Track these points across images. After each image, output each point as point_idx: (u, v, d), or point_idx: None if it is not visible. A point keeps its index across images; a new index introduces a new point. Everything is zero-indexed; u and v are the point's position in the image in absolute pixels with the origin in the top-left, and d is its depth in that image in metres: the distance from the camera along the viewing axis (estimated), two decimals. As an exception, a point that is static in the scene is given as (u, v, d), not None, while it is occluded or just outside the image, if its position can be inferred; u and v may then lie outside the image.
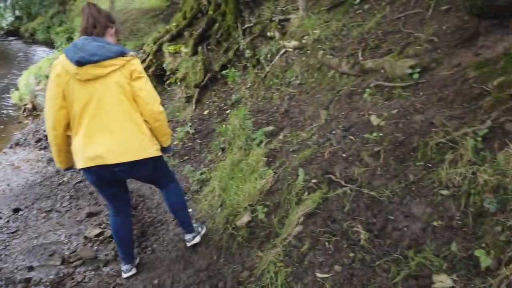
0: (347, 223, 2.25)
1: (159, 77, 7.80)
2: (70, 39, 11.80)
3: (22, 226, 4.38)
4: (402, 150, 2.52)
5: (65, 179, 5.50)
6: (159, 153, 2.63)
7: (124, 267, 2.96)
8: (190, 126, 5.55)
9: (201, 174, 3.98)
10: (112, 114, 2.38)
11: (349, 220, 2.27)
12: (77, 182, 5.25)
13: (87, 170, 2.46)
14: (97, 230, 3.74)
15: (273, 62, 5.58)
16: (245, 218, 2.92)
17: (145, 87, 2.45)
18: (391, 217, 2.18)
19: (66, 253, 3.49)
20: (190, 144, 5.16)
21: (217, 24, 7.16)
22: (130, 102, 2.42)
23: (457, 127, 2.37)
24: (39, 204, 4.92)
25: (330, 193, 2.51)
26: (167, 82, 7.22)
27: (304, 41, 4.70)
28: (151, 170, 2.67)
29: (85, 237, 3.68)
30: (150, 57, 7.68)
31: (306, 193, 2.65)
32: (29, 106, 8.75)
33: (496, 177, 1.92)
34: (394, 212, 2.20)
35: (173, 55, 7.47)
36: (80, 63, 2.25)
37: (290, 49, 5.14)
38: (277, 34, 5.81)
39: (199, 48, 6.99)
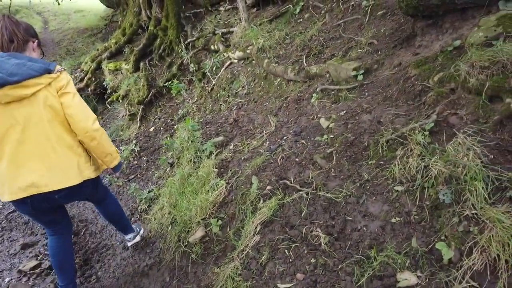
0: (305, 228, 2.14)
1: (100, 96, 7.40)
2: None
3: None
4: (354, 150, 2.47)
5: (-5, 209, 4.95)
6: (97, 173, 2.41)
7: None
8: (135, 144, 5.24)
9: (149, 192, 3.72)
10: (42, 138, 2.11)
11: (308, 224, 2.16)
12: (9, 212, 4.72)
13: (20, 201, 2.17)
14: (33, 262, 3.33)
15: (219, 75, 5.46)
16: (199, 233, 2.72)
17: (73, 103, 2.16)
18: (349, 218, 2.10)
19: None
20: (135, 162, 4.85)
21: (158, 40, 6.95)
22: (60, 123, 2.17)
23: (404, 124, 2.37)
24: (-36, 240, 4.36)
25: (286, 199, 2.39)
26: (109, 100, 6.83)
27: (248, 51, 4.63)
28: (90, 190, 2.47)
29: (19, 271, 3.26)
30: (89, 75, 7.27)
31: (261, 201, 2.51)
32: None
33: (447, 167, 1.90)
34: (351, 212, 2.12)
35: (113, 72, 7.13)
36: None
37: (235, 60, 5.05)
38: (221, 47, 5.72)
39: (141, 64, 6.72)
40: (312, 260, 1.97)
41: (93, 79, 7.30)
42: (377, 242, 1.91)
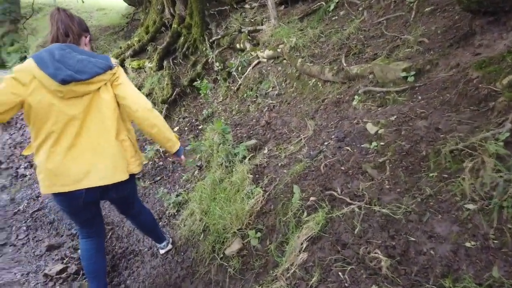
0: (362, 248, 1.90)
1: (123, 94, 7.27)
2: (24, 58, 10.94)
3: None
4: (410, 160, 2.21)
5: (20, 207, 4.83)
6: (139, 169, 2.34)
7: None
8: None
9: (177, 196, 3.52)
10: (98, 133, 2.09)
11: (363, 244, 1.92)
12: (34, 211, 4.60)
13: (70, 194, 2.08)
14: (60, 266, 3.17)
15: (245, 74, 5.24)
16: (235, 246, 2.50)
17: (128, 93, 2.13)
18: (412, 238, 1.84)
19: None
20: (161, 163, 4.67)
21: (182, 38, 6.76)
22: (114, 117, 2.13)
23: (470, 132, 2.10)
24: (-10, 239, 4.24)
25: (334, 212, 2.15)
26: (132, 99, 6.67)
27: (279, 50, 4.39)
28: (130, 188, 2.41)
29: (45, 275, 3.10)
30: (113, 73, 7.13)
31: (305, 214, 2.28)
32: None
33: (533, 185, 1.64)
34: (414, 232, 1.87)
35: (136, 70, 6.97)
36: (65, 82, 1.92)
37: (264, 60, 4.82)
38: (247, 45, 5.49)
39: (165, 63, 6.54)
40: (373, 287, 1.73)
41: (116, 77, 7.15)
42: (450, 269, 1.65)
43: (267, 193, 2.67)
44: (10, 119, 8.02)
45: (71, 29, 2.06)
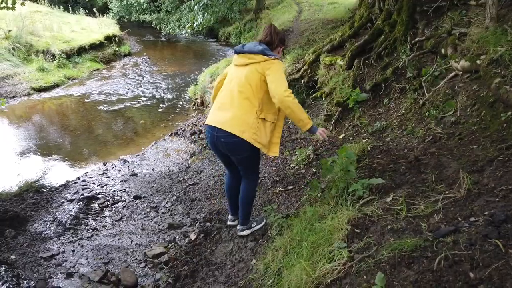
0: None
1: (312, 89, 6.98)
2: (252, 44, 12.14)
3: (126, 216, 4.26)
4: None
5: (185, 177, 5.30)
6: (255, 144, 2.73)
7: (230, 217, 3.37)
8: (313, 149, 4.55)
9: (284, 217, 2.98)
10: (241, 95, 2.72)
11: None
12: (190, 184, 4.93)
13: (210, 127, 2.81)
14: (159, 249, 3.20)
15: (436, 88, 4.06)
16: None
17: (273, 79, 2.66)
18: None
19: (112, 269, 3.05)
20: (303, 171, 4.18)
21: (382, 36, 5.84)
22: (254, 91, 2.71)
23: None
24: (154, 197, 4.78)
25: None
26: (312, 96, 6.32)
27: (478, 62, 3.10)
28: (245, 154, 2.80)
29: (144, 253, 3.20)
30: (305, 67, 6.93)
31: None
32: (199, 100, 9.19)
33: None
34: None
35: (327, 67, 6.52)
36: (236, 52, 2.87)
37: (460, 72, 3.56)
38: (450, 51, 4.22)
39: (355, 62, 5.84)
40: None
41: (309, 71, 6.92)
42: None
43: (351, 263, 1.85)
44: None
45: (274, 41, 2.87)
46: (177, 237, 3.47)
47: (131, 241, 3.49)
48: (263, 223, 3.24)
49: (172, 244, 3.34)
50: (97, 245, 3.47)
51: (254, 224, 3.22)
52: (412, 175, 2.45)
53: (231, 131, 2.64)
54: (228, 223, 3.38)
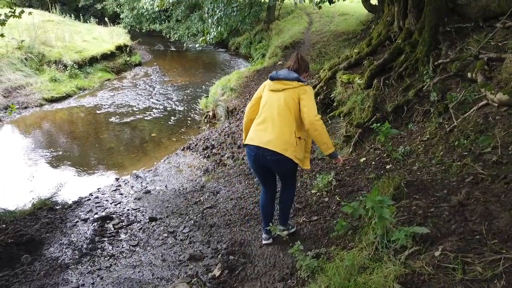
0: None
1: (328, 107, 6.82)
2: (263, 55, 12.02)
3: (143, 241, 4.09)
4: None
5: (202, 198, 5.12)
6: (296, 161, 3.03)
7: (264, 235, 3.51)
8: (335, 175, 4.39)
9: (314, 257, 2.81)
10: (282, 118, 2.98)
11: None
12: (207, 207, 4.77)
13: (253, 147, 3.06)
14: (182, 286, 3.03)
15: (465, 115, 3.89)
16: None
17: (306, 104, 2.95)
18: None
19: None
20: (326, 199, 4.01)
21: (403, 56, 5.69)
22: (292, 114, 2.98)
23: None
24: (170, 219, 4.61)
25: None
26: (330, 115, 6.16)
27: (519, 96, 2.94)
28: (287, 168, 3.12)
29: (166, 291, 3.04)
30: (321, 84, 6.78)
31: None
32: (210, 113, 9.04)
33: None
34: None
35: (345, 85, 6.37)
36: (271, 78, 3.11)
37: (495, 104, 3.39)
38: (480, 77, 4.06)
39: (375, 81, 5.68)
40: None
41: (325, 88, 6.77)
42: None
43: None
44: (238, 110, 8.88)
45: (300, 68, 3.17)
46: (199, 271, 3.30)
47: (152, 274, 3.32)
48: (295, 228, 3.61)
49: (196, 279, 3.15)
50: (117, 277, 3.30)
51: (290, 227, 3.58)
52: (458, 224, 2.27)
53: (275, 150, 2.92)
54: (263, 242, 3.51)
